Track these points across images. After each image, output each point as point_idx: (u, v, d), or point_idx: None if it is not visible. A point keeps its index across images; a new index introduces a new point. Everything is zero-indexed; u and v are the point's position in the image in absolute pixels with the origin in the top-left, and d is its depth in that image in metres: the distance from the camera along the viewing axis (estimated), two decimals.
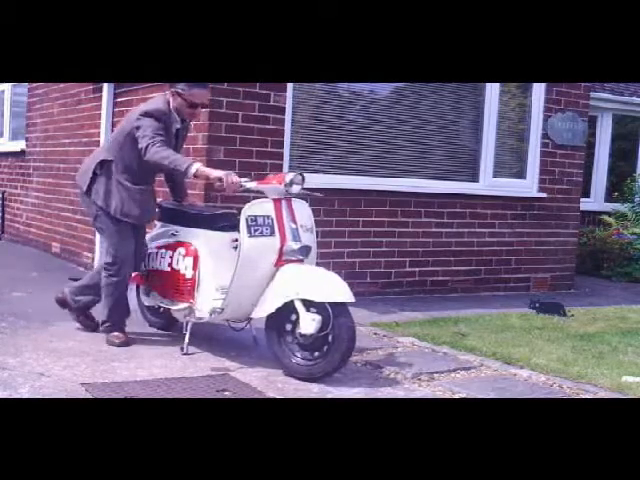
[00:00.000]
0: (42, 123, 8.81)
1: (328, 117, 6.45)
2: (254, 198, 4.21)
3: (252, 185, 4.16)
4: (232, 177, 4.07)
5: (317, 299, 3.86)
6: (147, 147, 4.20)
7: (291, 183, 4.08)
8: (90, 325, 4.71)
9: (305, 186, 4.27)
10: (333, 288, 3.89)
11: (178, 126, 4.46)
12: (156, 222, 4.93)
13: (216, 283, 4.24)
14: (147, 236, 4.88)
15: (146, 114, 4.30)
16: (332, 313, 3.83)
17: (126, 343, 4.44)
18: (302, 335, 3.90)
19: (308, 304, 3.88)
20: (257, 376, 3.99)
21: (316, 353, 3.94)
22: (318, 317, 3.84)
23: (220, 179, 4.08)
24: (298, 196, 4.23)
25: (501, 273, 7.43)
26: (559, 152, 7.68)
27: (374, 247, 6.62)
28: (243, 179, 4.17)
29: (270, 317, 4.06)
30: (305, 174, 4.27)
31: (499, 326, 5.58)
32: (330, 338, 3.88)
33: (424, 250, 6.90)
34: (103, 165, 4.45)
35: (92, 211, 4.54)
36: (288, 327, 4.00)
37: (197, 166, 4.13)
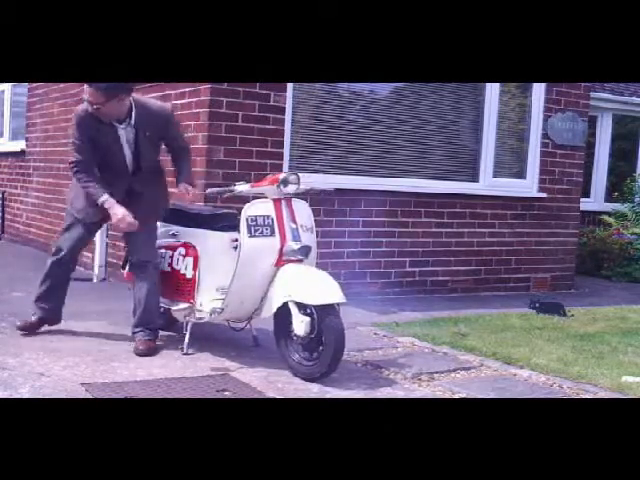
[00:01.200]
0: (42, 123, 8.81)
1: (328, 117, 6.45)
2: (254, 198, 4.21)
3: (245, 188, 4.17)
4: (125, 219, 4.19)
5: (302, 301, 3.88)
6: (72, 171, 4.31)
7: (285, 183, 4.06)
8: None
9: (308, 186, 4.30)
10: (319, 290, 3.87)
11: (121, 126, 4.24)
12: None
13: (216, 283, 4.24)
14: None
15: (73, 118, 4.29)
16: (317, 315, 3.84)
17: (27, 329, 4.52)
18: (296, 336, 3.92)
19: (302, 306, 3.89)
20: (257, 376, 3.99)
21: (314, 354, 3.95)
22: (307, 319, 3.85)
23: (116, 217, 4.20)
24: (300, 195, 4.22)
25: (501, 273, 7.44)
26: (559, 152, 7.68)
27: (374, 247, 6.62)
28: (239, 182, 4.22)
29: (276, 317, 4.07)
30: (305, 174, 4.27)
31: (499, 326, 5.58)
32: (323, 339, 3.89)
33: (424, 250, 6.90)
34: None
35: None
36: (291, 328, 4.01)
37: (103, 199, 4.21)
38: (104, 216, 4.39)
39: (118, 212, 4.22)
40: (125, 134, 4.27)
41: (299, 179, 4.11)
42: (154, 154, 4.44)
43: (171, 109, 4.61)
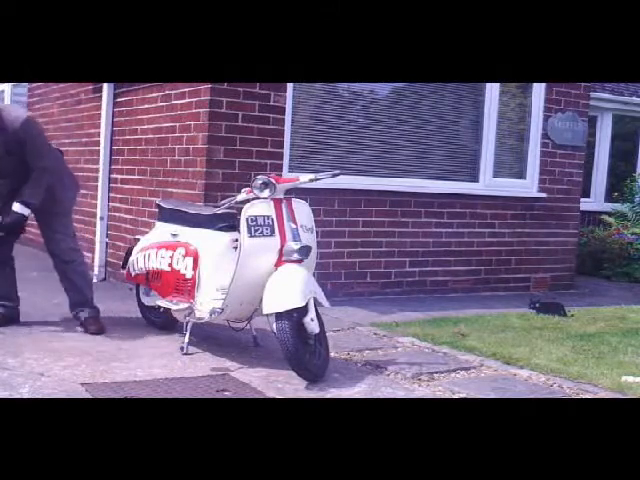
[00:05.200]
0: (42, 123, 8.78)
1: (328, 117, 6.45)
2: (255, 199, 4.21)
3: (243, 196, 4.22)
4: None
5: (263, 312, 3.94)
6: None
7: (261, 189, 4.05)
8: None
9: (306, 186, 4.27)
10: (270, 299, 3.86)
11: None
12: (156, 222, 4.94)
13: (216, 283, 4.23)
14: (146, 236, 4.90)
15: None
16: (275, 321, 3.85)
17: None
18: None
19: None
20: (257, 376, 3.98)
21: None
22: (274, 326, 3.87)
23: None
24: (292, 194, 4.22)
25: (501, 273, 7.43)
26: (559, 152, 7.67)
27: (374, 247, 6.62)
28: (244, 189, 4.24)
29: None
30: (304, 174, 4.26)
31: (499, 326, 5.58)
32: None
33: (424, 250, 6.90)
34: None
35: None
36: None
37: None
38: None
39: None
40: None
41: (270, 183, 4.05)
42: (17, 165, 4.49)
43: (25, 121, 4.47)
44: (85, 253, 7.16)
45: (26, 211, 4.55)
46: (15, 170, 4.52)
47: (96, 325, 4.69)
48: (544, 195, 7.60)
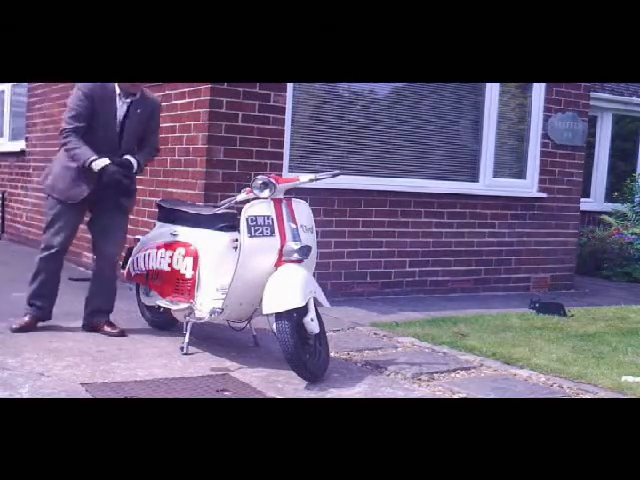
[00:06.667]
0: (42, 123, 8.80)
1: (328, 117, 6.45)
2: (255, 199, 4.21)
3: (243, 196, 4.23)
4: (109, 167, 4.39)
5: (264, 312, 3.95)
6: (61, 135, 4.53)
7: (261, 189, 4.07)
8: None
9: (306, 186, 4.26)
10: (269, 299, 3.87)
11: (122, 103, 4.50)
12: (156, 222, 4.94)
13: (216, 283, 4.23)
14: (146, 236, 4.90)
15: (79, 86, 4.43)
16: (275, 321, 3.86)
17: (25, 329, 4.56)
18: None
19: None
20: (257, 376, 3.99)
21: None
22: (274, 327, 3.88)
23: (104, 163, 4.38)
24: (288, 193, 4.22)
25: (501, 273, 7.43)
26: (559, 152, 7.68)
27: (374, 247, 6.62)
28: (244, 190, 4.24)
29: None
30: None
31: (499, 326, 5.58)
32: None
33: (424, 250, 6.90)
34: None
35: None
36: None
37: (92, 158, 4.37)
38: (88, 194, 4.50)
39: (104, 162, 4.39)
40: (116, 108, 4.50)
41: (270, 183, 4.06)
42: (136, 135, 4.62)
43: (160, 103, 4.91)
44: (85, 253, 7.18)
45: (135, 163, 4.55)
46: (132, 145, 4.63)
47: (116, 328, 4.66)
48: (544, 195, 7.60)
